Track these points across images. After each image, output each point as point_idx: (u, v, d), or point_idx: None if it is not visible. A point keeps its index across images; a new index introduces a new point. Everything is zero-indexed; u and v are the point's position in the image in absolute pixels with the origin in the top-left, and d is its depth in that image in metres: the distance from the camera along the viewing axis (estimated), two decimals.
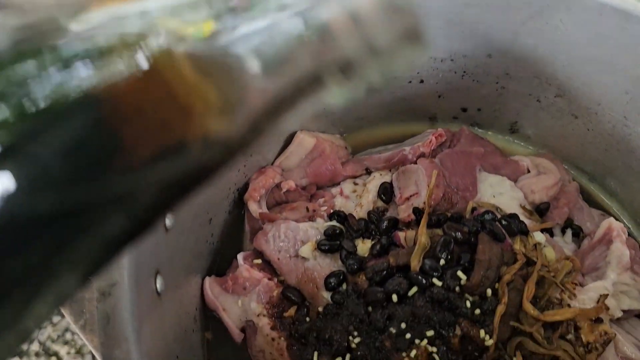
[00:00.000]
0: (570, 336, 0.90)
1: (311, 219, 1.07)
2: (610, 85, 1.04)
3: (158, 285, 0.81)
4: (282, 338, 0.97)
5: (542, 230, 1.06)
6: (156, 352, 0.75)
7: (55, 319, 1.09)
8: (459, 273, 0.89)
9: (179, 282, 0.93)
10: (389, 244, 0.99)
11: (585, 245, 1.09)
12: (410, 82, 1.19)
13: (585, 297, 0.96)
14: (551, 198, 1.13)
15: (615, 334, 0.91)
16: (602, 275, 1.03)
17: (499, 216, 1.00)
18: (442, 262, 0.91)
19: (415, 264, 0.92)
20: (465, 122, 1.27)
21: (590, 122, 1.13)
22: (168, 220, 0.86)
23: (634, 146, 1.09)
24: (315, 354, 0.91)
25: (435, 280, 0.89)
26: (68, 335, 1.10)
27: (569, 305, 0.93)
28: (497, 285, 0.90)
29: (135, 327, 0.69)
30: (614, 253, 1.02)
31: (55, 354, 1.08)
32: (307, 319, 0.97)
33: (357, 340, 0.90)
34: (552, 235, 1.10)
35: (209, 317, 1.05)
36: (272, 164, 1.19)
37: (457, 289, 0.88)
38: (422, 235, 0.94)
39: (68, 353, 1.08)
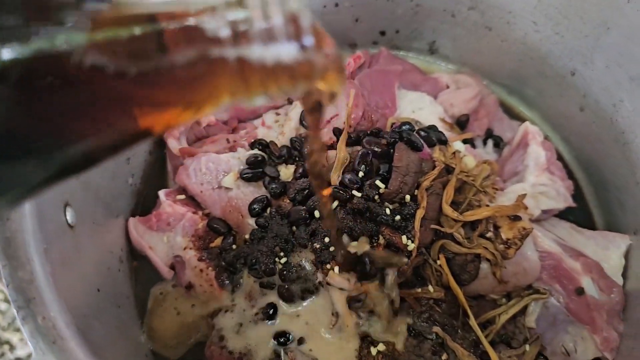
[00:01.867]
0: (490, 234, 0.92)
1: (232, 149, 1.05)
2: None
3: (68, 217, 0.79)
4: (210, 268, 0.96)
5: (464, 142, 1.08)
6: (70, 281, 0.73)
7: None
8: (378, 182, 0.89)
9: (97, 219, 0.90)
10: None
11: (506, 152, 1.12)
12: (325, 6, 1.18)
13: (505, 199, 0.99)
14: (471, 111, 1.14)
15: (533, 229, 0.94)
16: (522, 179, 1.05)
17: (417, 128, 1.00)
18: (361, 174, 0.91)
19: (334, 178, 0.92)
20: (385, 45, 1.26)
21: (503, 33, 1.14)
22: None
23: (545, 52, 1.11)
24: (245, 273, 0.91)
25: (354, 192, 0.89)
26: None
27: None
28: (416, 191, 0.91)
29: (40, 251, 0.66)
30: (531, 155, 1.05)
31: None
32: (234, 246, 0.96)
33: (283, 260, 0.90)
34: (474, 146, 1.11)
35: (137, 257, 1.02)
36: None
37: (377, 197, 0.89)
38: (341, 151, 0.94)
39: None
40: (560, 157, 1.14)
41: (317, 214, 0.90)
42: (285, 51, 0.37)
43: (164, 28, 0.36)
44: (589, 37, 1.00)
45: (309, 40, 0.38)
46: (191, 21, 0.36)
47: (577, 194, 1.10)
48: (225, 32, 0.37)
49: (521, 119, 1.21)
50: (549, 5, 1.03)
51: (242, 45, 0.37)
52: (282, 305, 0.89)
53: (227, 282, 0.95)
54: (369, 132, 1.01)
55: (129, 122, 0.38)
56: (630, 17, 0.91)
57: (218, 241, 0.98)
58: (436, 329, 0.87)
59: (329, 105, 0.53)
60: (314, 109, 0.54)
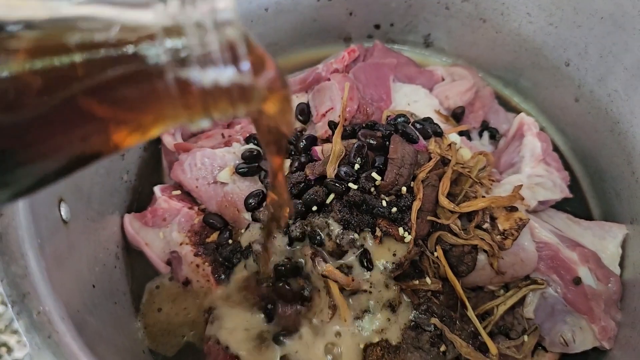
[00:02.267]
0: (486, 225, 0.92)
1: (228, 144, 1.05)
2: None
3: (63, 213, 0.78)
4: (207, 263, 0.95)
5: (460, 135, 1.07)
6: (64, 277, 0.73)
7: None
8: (374, 174, 0.89)
9: (92, 216, 0.90)
10: (308, 161, 0.98)
11: (502, 144, 1.12)
12: (318, 0, 1.17)
13: (501, 190, 0.99)
14: (466, 103, 1.14)
15: (529, 219, 0.94)
16: (518, 170, 1.05)
17: (412, 120, 1.00)
18: (357, 167, 0.91)
19: (330, 171, 0.91)
20: (380, 39, 1.26)
21: (497, 24, 1.14)
22: None
23: (540, 42, 1.11)
24: (241, 268, 0.91)
25: (350, 184, 0.89)
26: None
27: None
28: (412, 183, 0.91)
29: (34, 246, 0.66)
30: (527, 146, 1.05)
31: None
32: (230, 241, 0.95)
33: (280, 254, 0.90)
34: (469, 138, 1.11)
35: (133, 254, 1.02)
36: None
37: (373, 189, 0.88)
38: (337, 144, 0.93)
39: None
40: (556, 148, 1.14)
41: (314, 208, 0.90)
42: (223, 75, 0.38)
43: (103, 56, 0.37)
44: (583, 27, 1.00)
45: (245, 65, 0.39)
46: (130, 49, 0.37)
47: (574, 185, 1.10)
48: (164, 59, 0.37)
49: (517, 111, 1.21)
50: None
51: (181, 71, 0.38)
52: (279, 302, 0.89)
53: (223, 277, 0.95)
54: (364, 125, 1.01)
55: (77, 143, 0.39)
56: (623, 5, 0.91)
57: (214, 236, 0.98)
58: (434, 320, 0.87)
59: (287, 134, 0.53)
60: (272, 140, 0.54)
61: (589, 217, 1.08)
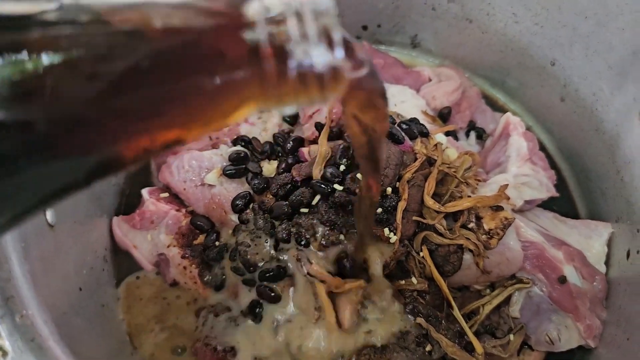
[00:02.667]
0: (472, 225, 0.92)
1: (215, 146, 1.05)
2: None
3: (48, 217, 0.79)
4: (194, 265, 0.96)
5: (447, 135, 1.08)
6: (50, 280, 0.73)
7: None
8: (359, 175, 0.89)
9: (79, 219, 0.90)
10: (295, 162, 0.99)
11: (488, 144, 1.12)
12: None
13: (487, 190, 0.99)
14: (453, 103, 1.14)
15: (515, 219, 0.94)
16: (504, 170, 1.06)
17: (398, 121, 1.01)
18: (342, 168, 0.91)
19: (316, 173, 0.92)
20: (368, 40, 1.27)
21: (483, 25, 1.15)
22: None
23: (526, 42, 1.11)
24: (228, 270, 0.92)
25: (336, 186, 0.89)
26: None
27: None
28: (398, 184, 0.91)
29: (18, 250, 0.66)
30: (513, 146, 1.05)
31: None
32: (217, 243, 0.96)
33: (265, 256, 0.90)
34: (456, 139, 1.12)
35: (122, 257, 1.02)
36: None
37: (358, 190, 0.89)
38: (323, 145, 0.94)
39: None
40: (542, 147, 1.15)
41: (303, 210, 0.90)
42: (319, 60, 0.40)
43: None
44: (567, 26, 1.01)
45: (339, 51, 0.40)
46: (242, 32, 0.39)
47: (561, 184, 1.11)
48: (265, 44, 0.39)
49: (504, 111, 1.21)
50: None
51: (279, 55, 0.39)
52: (266, 304, 0.89)
53: (209, 278, 0.95)
54: None
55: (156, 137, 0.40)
56: (607, 4, 0.91)
57: (201, 238, 0.98)
58: (420, 320, 0.88)
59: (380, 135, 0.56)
60: (366, 145, 0.57)
61: (575, 215, 1.09)
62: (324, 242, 0.87)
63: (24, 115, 0.34)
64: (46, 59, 0.34)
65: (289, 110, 0.44)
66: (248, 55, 0.39)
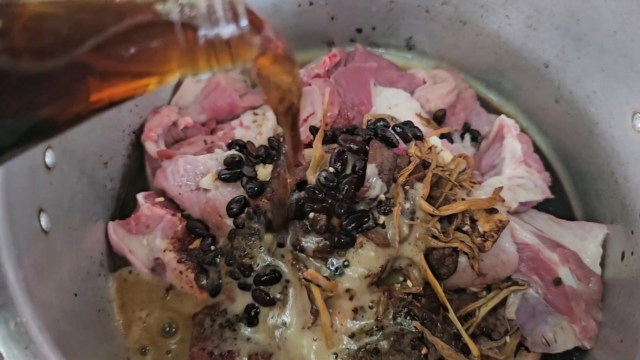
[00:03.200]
0: (466, 227, 0.92)
1: (210, 151, 1.05)
2: None
3: (43, 223, 0.79)
4: (190, 270, 0.96)
5: (442, 137, 1.08)
6: (44, 286, 0.73)
7: None
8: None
9: (74, 225, 0.90)
10: None
11: (483, 146, 1.12)
12: (299, 5, 1.18)
13: (482, 193, 0.99)
14: (447, 105, 1.14)
15: (509, 221, 0.94)
16: (499, 172, 1.06)
17: (392, 124, 1.01)
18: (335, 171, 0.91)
19: (311, 177, 0.92)
20: (362, 43, 1.27)
21: (477, 27, 1.15)
22: (48, 158, 0.83)
23: (519, 44, 1.11)
24: (224, 274, 0.92)
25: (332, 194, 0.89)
26: None
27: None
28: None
29: (12, 257, 0.67)
30: (507, 148, 1.05)
31: None
32: (213, 247, 0.96)
33: (259, 259, 0.90)
34: (451, 141, 1.12)
35: (118, 261, 1.02)
36: (169, 103, 1.16)
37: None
38: (317, 150, 0.94)
39: None
40: (538, 149, 1.15)
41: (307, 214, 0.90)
42: (224, 30, 0.46)
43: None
44: (560, 28, 1.01)
45: (243, 22, 0.46)
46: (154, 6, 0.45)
47: (556, 185, 1.11)
48: (176, 15, 0.45)
49: (499, 112, 1.21)
50: None
51: (189, 26, 0.45)
52: (262, 308, 0.90)
53: (205, 282, 0.95)
54: (345, 129, 1.01)
55: (82, 92, 0.45)
56: (598, 7, 0.91)
57: (197, 243, 0.98)
58: (415, 323, 0.88)
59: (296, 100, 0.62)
60: (285, 109, 0.64)
61: (570, 217, 1.09)
62: (320, 246, 0.87)
63: None
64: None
65: (206, 75, 0.51)
66: (163, 27, 0.45)
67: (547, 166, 1.12)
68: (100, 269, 0.98)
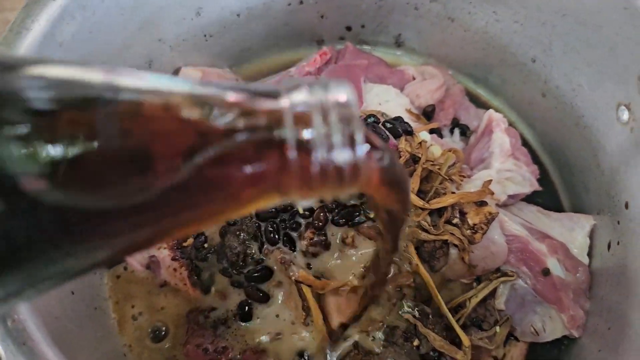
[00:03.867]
0: (456, 220, 0.94)
1: None
2: None
3: None
4: (183, 267, 0.97)
5: (431, 132, 1.10)
6: None
7: None
8: None
9: None
10: None
11: (472, 140, 1.14)
12: (289, 4, 1.19)
13: (472, 186, 1.01)
14: (437, 101, 1.16)
15: (499, 213, 0.96)
16: (488, 166, 1.07)
17: (382, 120, 1.02)
18: None
19: None
20: (352, 40, 1.28)
21: (465, 23, 1.17)
22: None
23: (507, 40, 1.13)
24: (217, 272, 0.93)
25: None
26: None
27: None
28: None
29: None
30: (496, 142, 1.07)
31: None
32: (206, 245, 0.97)
33: (251, 258, 0.91)
34: (441, 136, 1.13)
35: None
36: None
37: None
38: None
39: None
40: (526, 143, 1.16)
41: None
42: (340, 158, 0.40)
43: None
44: (546, 24, 1.03)
45: (360, 149, 0.41)
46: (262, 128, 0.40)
47: (544, 178, 1.12)
48: (292, 140, 0.39)
49: (487, 107, 1.22)
50: None
51: (303, 151, 0.40)
52: (255, 304, 0.91)
53: (199, 280, 0.96)
54: None
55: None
56: (585, 3, 0.93)
57: (191, 240, 0.99)
58: (408, 315, 0.89)
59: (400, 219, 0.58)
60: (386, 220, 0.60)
61: (559, 208, 1.11)
62: (311, 248, 0.88)
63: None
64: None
65: (307, 203, 0.45)
66: (274, 150, 0.39)
67: (535, 159, 1.14)
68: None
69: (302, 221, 0.91)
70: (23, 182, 0.32)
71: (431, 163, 0.97)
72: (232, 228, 0.94)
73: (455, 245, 0.93)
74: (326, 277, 0.90)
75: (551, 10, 1.01)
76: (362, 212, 0.90)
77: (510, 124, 1.14)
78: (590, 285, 1.00)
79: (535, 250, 0.98)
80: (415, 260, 0.91)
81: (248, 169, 0.39)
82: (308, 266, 0.90)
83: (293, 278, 0.86)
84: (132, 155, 0.36)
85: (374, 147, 0.45)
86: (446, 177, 0.97)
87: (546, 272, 0.96)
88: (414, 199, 0.91)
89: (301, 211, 0.91)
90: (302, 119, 0.40)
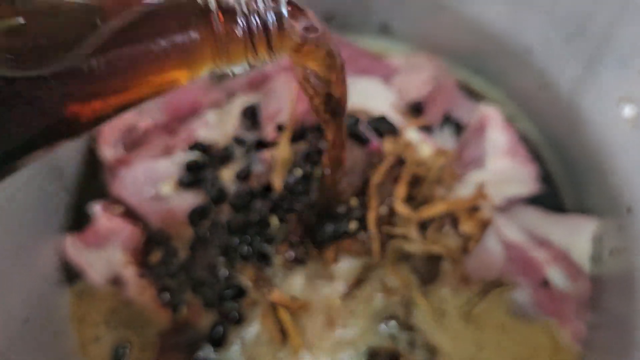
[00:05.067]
0: (447, 228, 0.86)
1: (169, 153, 0.98)
2: None
3: None
4: (152, 286, 0.89)
5: (421, 129, 1.01)
6: None
7: None
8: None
9: (23, 242, 0.83)
10: (254, 168, 0.92)
11: (464, 137, 1.05)
12: None
13: (464, 188, 0.93)
14: (427, 94, 1.07)
15: (495, 219, 0.88)
16: (482, 165, 0.99)
17: (363, 119, 0.94)
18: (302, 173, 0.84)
19: (277, 183, 0.85)
20: (336, 29, 1.18)
21: (457, 10, 1.07)
22: None
23: (501, 28, 1.04)
24: (186, 286, 0.85)
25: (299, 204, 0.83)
26: None
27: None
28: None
29: None
30: (490, 139, 0.98)
31: None
32: (174, 260, 0.89)
33: (223, 275, 0.84)
34: (431, 132, 1.05)
35: (74, 272, 0.95)
36: None
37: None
38: (283, 150, 0.87)
39: None
40: (526, 138, 1.07)
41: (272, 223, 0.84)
42: (265, 19, 0.43)
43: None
44: (542, 13, 0.93)
45: (283, 9, 0.44)
46: None
47: (546, 176, 1.04)
48: (213, 6, 0.42)
49: (484, 99, 1.14)
50: None
51: (226, 13, 0.42)
52: (228, 327, 0.83)
53: (168, 299, 0.88)
54: (315, 127, 0.94)
55: (107, 90, 0.41)
56: None
57: (157, 255, 0.91)
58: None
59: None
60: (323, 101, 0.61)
61: (560, 208, 1.02)
62: (286, 263, 0.80)
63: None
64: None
65: (239, 69, 0.46)
66: (197, 16, 0.41)
67: (537, 155, 1.05)
68: (57, 288, 0.91)
69: (276, 234, 0.83)
70: None
71: (420, 166, 0.88)
72: (201, 241, 0.86)
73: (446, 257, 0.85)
74: (303, 297, 0.82)
75: None
76: (343, 226, 0.82)
77: (510, 118, 1.05)
78: (593, 294, 0.92)
79: (534, 259, 0.90)
80: (403, 276, 0.83)
81: (176, 38, 0.41)
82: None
83: (266, 298, 0.79)
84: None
85: (299, 12, 0.47)
86: (435, 181, 0.89)
87: (546, 282, 0.88)
88: (401, 208, 0.83)
89: (275, 222, 0.84)
90: None
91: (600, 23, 0.84)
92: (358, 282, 0.83)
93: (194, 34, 0.41)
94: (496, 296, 0.89)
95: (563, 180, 1.06)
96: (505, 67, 1.11)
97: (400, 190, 0.85)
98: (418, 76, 1.07)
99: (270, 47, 0.44)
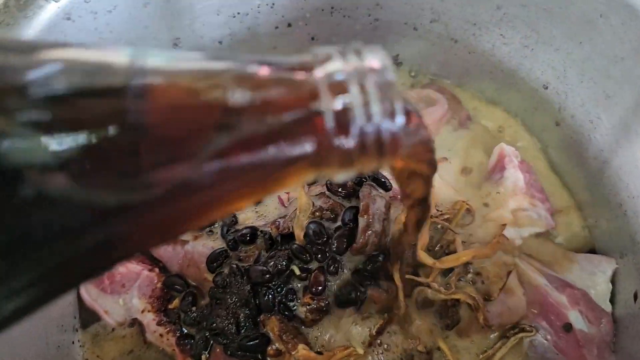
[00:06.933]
0: (470, 275, 0.85)
1: None
2: (483, 2, 0.98)
3: None
4: (171, 333, 0.88)
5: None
6: None
7: None
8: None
9: None
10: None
11: (482, 175, 1.05)
12: (276, 27, 1.08)
13: (482, 230, 0.92)
14: (440, 131, 1.07)
15: (517, 262, 0.88)
16: (501, 205, 0.98)
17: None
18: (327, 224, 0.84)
19: (298, 232, 0.84)
20: None
21: (470, 45, 1.07)
22: None
23: (516, 64, 1.04)
24: (208, 334, 0.84)
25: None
26: None
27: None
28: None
29: None
30: (509, 179, 0.98)
31: None
32: (194, 307, 0.88)
33: (244, 326, 0.83)
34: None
35: (90, 323, 0.94)
36: None
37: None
38: (301, 197, 0.86)
39: None
40: (542, 173, 1.07)
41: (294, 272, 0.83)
42: (380, 129, 0.38)
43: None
44: (560, 51, 0.93)
45: (400, 119, 0.38)
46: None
47: (562, 213, 1.03)
48: (329, 113, 0.37)
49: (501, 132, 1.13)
50: (515, 17, 0.96)
51: (341, 123, 0.37)
52: None
53: (188, 346, 0.87)
54: None
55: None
56: (604, 33, 0.83)
57: (176, 302, 0.90)
58: None
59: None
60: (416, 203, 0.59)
61: (578, 248, 1.02)
62: (310, 314, 0.79)
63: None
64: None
65: (343, 177, 0.41)
66: (311, 124, 0.37)
67: (552, 191, 1.05)
68: (73, 336, 0.90)
69: (299, 285, 0.82)
70: (37, 175, 0.30)
71: (439, 215, 0.88)
72: (221, 292, 0.85)
73: (469, 304, 0.84)
74: (328, 345, 0.81)
75: (566, 37, 0.91)
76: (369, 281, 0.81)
77: (525, 149, 1.05)
78: (615, 336, 0.91)
79: (555, 302, 0.89)
80: (426, 325, 0.82)
81: (285, 147, 0.36)
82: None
83: (294, 355, 0.78)
84: (155, 144, 0.33)
85: (412, 116, 0.42)
86: (456, 231, 0.88)
87: (568, 327, 0.88)
88: (424, 258, 0.82)
89: (297, 272, 0.83)
90: (337, 89, 0.37)
91: (625, 67, 0.83)
92: (382, 330, 0.82)
93: (301, 143, 0.37)
94: (517, 342, 0.88)
95: (579, 219, 1.06)
96: (519, 101, 1.10)
97: (423, 238, 0.84)
98: (432, 113, 1.07)
99: (381, 156, 0.39)
